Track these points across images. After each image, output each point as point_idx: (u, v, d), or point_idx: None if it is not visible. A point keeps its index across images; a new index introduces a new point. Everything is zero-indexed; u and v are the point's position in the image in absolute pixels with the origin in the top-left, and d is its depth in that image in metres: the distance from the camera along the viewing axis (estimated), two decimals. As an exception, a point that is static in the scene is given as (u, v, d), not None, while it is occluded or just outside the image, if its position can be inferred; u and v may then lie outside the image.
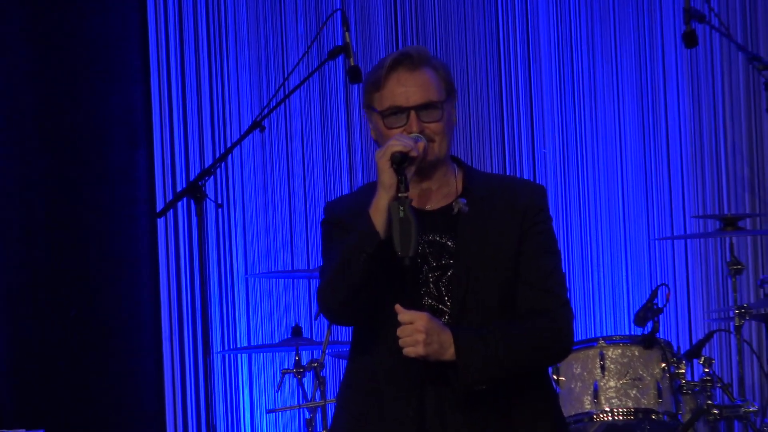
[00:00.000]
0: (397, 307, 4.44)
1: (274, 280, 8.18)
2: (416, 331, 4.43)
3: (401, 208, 4.43)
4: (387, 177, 4.47)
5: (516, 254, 4.61)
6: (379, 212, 4.48)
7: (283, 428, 8.13)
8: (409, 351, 4.43)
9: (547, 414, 4.67)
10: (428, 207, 4.67)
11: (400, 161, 4.45)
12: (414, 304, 4.52)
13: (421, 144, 4.52)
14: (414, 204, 4.58)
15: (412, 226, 4.42)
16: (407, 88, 4.61)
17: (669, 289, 7.46)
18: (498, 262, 4.61)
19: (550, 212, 4.73)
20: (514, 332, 4.58)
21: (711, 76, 8.31)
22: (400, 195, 4.44)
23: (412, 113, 4.58)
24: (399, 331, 4.45)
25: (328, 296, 4.60)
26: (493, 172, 8.00)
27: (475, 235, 4.62)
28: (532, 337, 4.60)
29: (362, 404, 4.66)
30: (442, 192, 4.68)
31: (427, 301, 4.58)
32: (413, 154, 4.48)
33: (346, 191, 7.67)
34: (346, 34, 7.10)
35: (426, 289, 4.61)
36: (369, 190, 4.59)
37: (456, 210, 4.62)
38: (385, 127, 4.62)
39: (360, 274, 4.51)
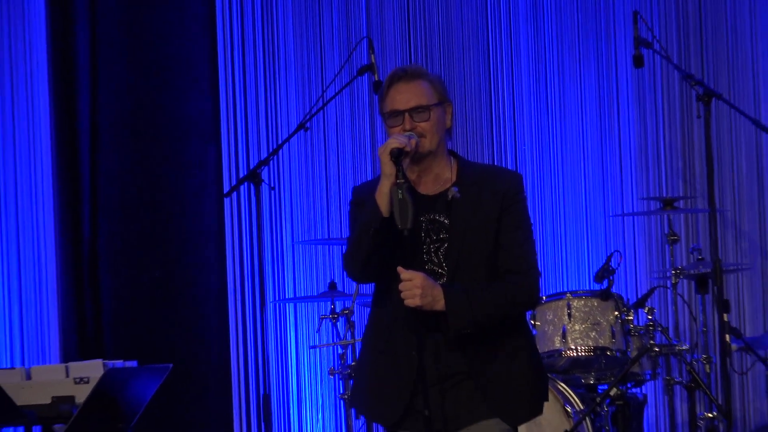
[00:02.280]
0: (399, 268, 4.47)
1: (314, 246, 8.17)
2: (414, 287, 4.46)
3: (399, 191, 4.46)
4: (387, 168, 4.49)
5: (497, 228, 4.61)
6: (382, 196, 4.50)
7: (321, 361, 8.11)
8: (409, 302, 4.46)
9: (524, 350, 4.67)
10: (428, 192, 4.65)
11: (397, 155, 4.47)
12: (418, 269, 4.52)
13: (413, 140, 4.54)
14: (418, 190, 4.64)
15: (409, 205, 4.46)
16: (402, 95, 4.61)
17: (621, 254, 7.48)
18: (483, 235, 4.61)
19: (527, 195, 4.73)
20: (491, 288, 4.59)
21: (654, 89, 8.26)
22: (398, 181, 4.46)
23: (406, 115, 4.59)
24: (400, 286, 4.48)
25: (349, 262, 4.63)
26: (483, 162, 7.93)
27: (465, 214, 4.62)
28: (505, 291, 4.60)
29: (380, 343, 4.67)
30: (439, 180, 4.66)
31: (429, 266, 4.59)
32: (407, 149, 4.50)
33: (369, 177, 7.69)
34: (372, 56, 7.12)
35: (428, 257, 4.60)
36: (378, 181, 4.62)
37: (450, 196, 4.61)
38: (388, 127, 4.64)
39: (370, 245, 4.53)
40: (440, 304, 4.49)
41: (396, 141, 4.50)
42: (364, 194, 4.67)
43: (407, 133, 4.56)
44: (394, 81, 4.64)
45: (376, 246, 4.53)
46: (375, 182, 4.61)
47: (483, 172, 4.73)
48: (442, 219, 4.63)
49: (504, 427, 4.59)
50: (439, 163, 4.67)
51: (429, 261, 4.61)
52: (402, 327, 4.55)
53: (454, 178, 4.67)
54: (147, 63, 8.15)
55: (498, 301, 4.59)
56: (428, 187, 4.66)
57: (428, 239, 4.62)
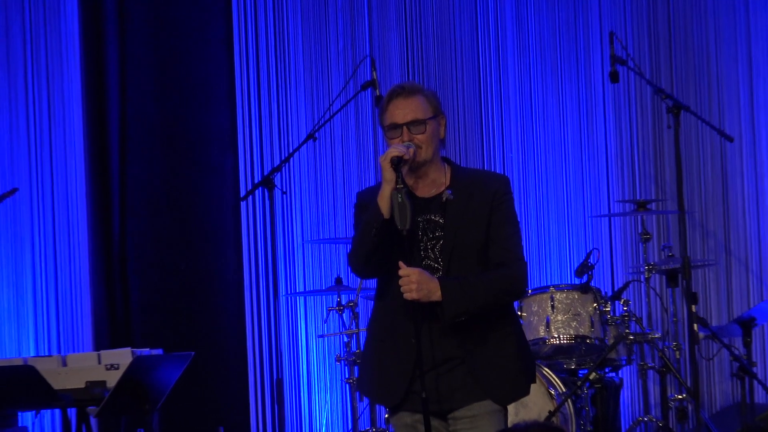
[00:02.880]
0: (400, 263, 4.50)
1: (322, 244, 8.14)
2: (411, 282, 4.47)
3: (399, 195, 4.48)
4: (388, 174, 4.51)
5: (487, 225, 4.61)
6: (383, 199, 4.51)
7: (328, 349, 8.07)
8: (407, 295, 4.47)
9: (513, 336, 4.67)
10: (425, 195, 4.67)
11: (396, 162, 4.50)
12: (416, 264, 4.55)
13: (411, 150, 4.55)
14: (416, 193, 4.65)
15: (407, 208, 4.47)
16: (400, 110, 4.62)
17: (599, 251, 7.52)
18: (474, 231, 4.62)
19: (515, 196, 4.75)
20: (482, 279, 4.59)
21: (628, 102, 8.23)
22: (398, 186, 4.48)
23: (404, 128, 4.60)
24: (399, 282, 4.50)
25: (353, 259, 4.65)
26: (475, 167, 7.94)
27: (458, 214, 4.63)
28: (495, 282, 4.60)
29: (383, 332, 4.68)
30: (435, 184, 4.68)
31: (426, 262, 4.60)
32: (406, 157, 4.52)
33: (372, 182, 7.64)
34: (374, 72, 7.13)
35: (425, 253, 4.61)
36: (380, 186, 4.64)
37: (444, 199, 4.63)
38: (388, 138, 4.66)
39: (371, 243, 4.55)
40: (436, 296, 4.48)
41: (395, 150, 4.51)
42: (367, 198, 4.67)
43: (406, 143, 4.57)
44: (393, 97, 4.65)
45: (377, 244, 4.53)
46: (377, 187, 4.61)
47: (474, 176, 4.74)
48: (437, 219, 4.63)
49: (495, 408, 4.59)
50: (434, 169, 4.67)
51: (426, 257, 4.61)
52: (402, 317, 4.54)
53: (447, 182, 4.66)
54: (171, 80, 8.10)
55: (488, 291, 4.58)
56: (425, 190, 4.66)
57: (425, 237, 4.62)
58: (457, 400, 4.57)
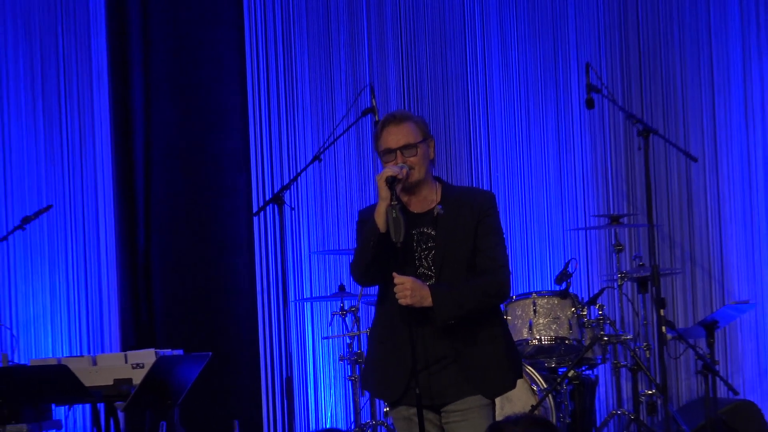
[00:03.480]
0: (394, 273, 4.49)
1: (326, 255, 8.11)
2: (405, 289, 4.46)
3: (393, 211, 4.47)
4: (383, 192, 4.49)
5: (474, 236, 4.60)
6: (380, 215, 4.50)
7: (332, 349, 8.05)
8: (401, 301, 4.47)
9: (500, 336, 4.65)
10: (418, 211, 4.66)
11: (391, 182, 4.48)
12: (411, 272, 4.55)
13: (404, 170, 4.54)
14: (410, 209, 4.64)
15: (401, 222, 4.45)
16: (393, 136, 4.62)
17: (576, 261, 7.46)
18: (463, 242, 4.61)
19: (501, 212, 4.75)
20: (469, 285, 4.57)
21: (602, 126, 8.20)
22: (392, 203, 4.47)
23: (398, 152, 4.59)
24: (394, 289, 4.49)
25: (354, 268, 4.65)
26: (464, 184, 7.92)
27: (448, 227, 4.62)
28: (481, 287, 4.57)
29: (383, 334, 4.67)
30: (427, 200, 4.67)
31: (420, 270, 4.58)
32: (399, 177, 4.51)
33: (372, 199, 7.63)
34: (373, 100, 7.11)
35: (419, 262, 4.60)
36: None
37: (435, 213, 4.63)
38: (383, 162, 4.64)
39: (370, 254, 4.54)
40: (428, 301, 4.47)
41: (390, 170, 4.50)
42: (367, 215, 4.65)
43: (399, 164, 4.55)
44: (386, 125, 4.64)
45: (375, 255, 4.52)
46: (375, 206, 4.58)
47: (462, 193, 4.72)
48: (429, 231, 4.61)
49: (485, 402, 4.57)
50: (426, 187, 4.65)
51: (420, 265, 4.59)
52: (400, 321, 4.52)
53: (438, 199, 4.65)
54: (190, 107, 8.06)
55: (475, 296, 4.55)
56: (418, 206, 4.65)
57: (419, 248, 4.60)
58: (450, 396, 4.56)
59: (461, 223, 4.62)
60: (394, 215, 4.46)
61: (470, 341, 4.57)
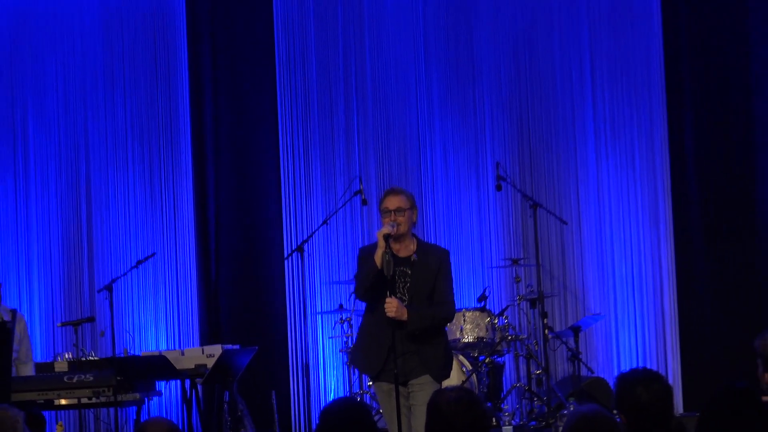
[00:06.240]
0: (388, 294, 4.41)
1: (331, 284, 7.91)
2: (392, 306, 4.41)
3: (386, 255, 4.38)
4: (381, 242, 4.41)
5: (435, 278, 4.53)
6: (378, 257, 4.42)
7: (335, 344, 7.82)
8: (389, 314, 4.40)
9: (443, 342, 4.61)
10: (402, 255, 4.56)
11: (386, 236, 4.40)
12: (395, 296, 4.48)
13: (395, 228, 4.45)
14: (397, 254, 4.51)
15: (391, 263, 4.37)
16: (391, 202, 4.53)
17: (490, 288, 7.48)
18: (428, 282, 4.54)
19: (451, 260, 4.61)
20: (430, 310, 4.53)
21: (507, 202, 7.87)
22: (386, 250, 4.37)
23: (393, 212, 4.51)
24: (385, 305, 4.42)
25: (358, 291, 4.55)
26: (431, 241, 7.80)
27: (419, 270, 4.54)
28: (437, 313, 4.53)
29: (368, 336, 4.59)
30: (407, 249, 4.58)
31: (399, 295, 4.52)
32: (393, 233, 4.43)
33: (363, 244, 7.16)
34: (361, 185, 7.25)
35: (399, 291, 4.53)
36: (375, 246, 4.52)
37: (412, 259, 4.55)
38: (382, 217, 4.55)
39: (369, 282, 4.46)
40: (405, 317, 4.44)
41: (387, 229, 4.41)
42: (366, 252, 4.54)
43: (392, 223, 4.45)
44: (387, 194, 4.55)
45: (373, 283, 4.44)
46: (372, 246, 4.48)
47: (430, 247, 4.61)
48: (407, 270, 4.52)
49: (434, 383, 4.49)
50: (408, 239, 4.55)
51: (399, 293, 4.52)
52: (383, 325, 4.45)
53: (415, 249, 4.55)
54: (246, 187, 7.89)
55: (433, 317, 4.52)
56: (401, 252, 4.54)
57: (399, 282, 4.52)
58: (413, 375, 4.53)
59: (428, 269, 4.50)
60: (387, 258, 4.34)
61: (426, 342, 4.52)
